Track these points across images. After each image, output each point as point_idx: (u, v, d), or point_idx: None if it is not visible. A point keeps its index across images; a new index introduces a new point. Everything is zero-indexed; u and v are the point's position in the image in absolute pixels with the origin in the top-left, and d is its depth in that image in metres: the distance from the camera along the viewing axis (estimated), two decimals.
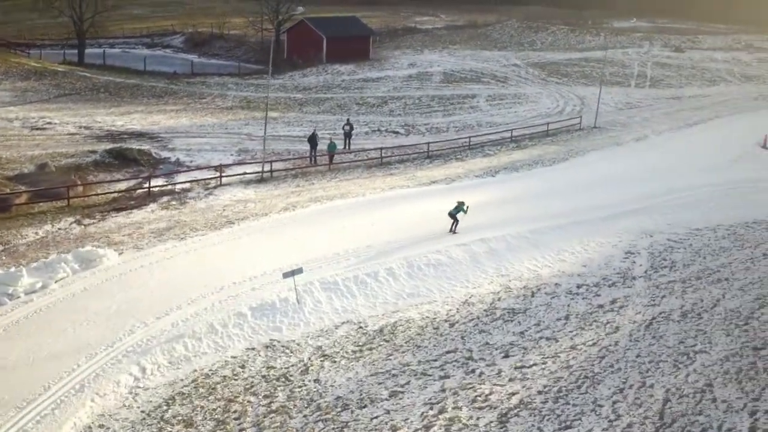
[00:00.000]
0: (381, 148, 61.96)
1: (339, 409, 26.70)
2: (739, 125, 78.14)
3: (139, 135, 65.78)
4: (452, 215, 42.87)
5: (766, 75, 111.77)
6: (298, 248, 39.67)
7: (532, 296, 36.82)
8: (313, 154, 59.49)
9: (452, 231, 43.21)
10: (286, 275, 33.76)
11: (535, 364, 30.46)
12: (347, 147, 64.35)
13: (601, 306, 36.07)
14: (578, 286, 38.14)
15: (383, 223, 44.26)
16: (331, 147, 59.29)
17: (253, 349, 31.10)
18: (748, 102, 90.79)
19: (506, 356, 31.12)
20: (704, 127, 77.02)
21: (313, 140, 59.11)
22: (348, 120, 66.48)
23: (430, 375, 29.34)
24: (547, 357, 31.10)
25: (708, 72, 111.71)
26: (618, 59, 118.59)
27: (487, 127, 74.58)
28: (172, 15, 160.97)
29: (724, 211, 50.92)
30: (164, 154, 60.08)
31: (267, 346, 31.29)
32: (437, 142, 65.91)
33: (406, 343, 31.94)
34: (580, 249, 43.00)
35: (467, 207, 43.14)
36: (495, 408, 27.00)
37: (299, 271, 34.07)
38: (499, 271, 39.28)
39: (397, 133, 71.72)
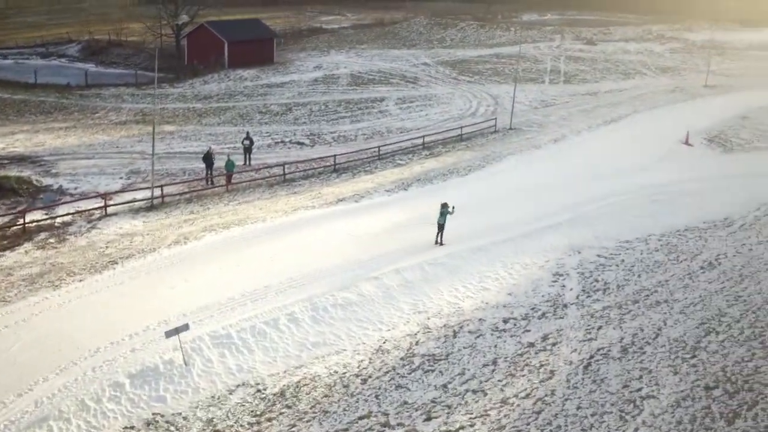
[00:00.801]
0: (284, 164, 56.92)
1: None
2: (659, 121, 75.23)
3: (21, 159, 59.57)
4: (440, 224, 40.05)
5: (680, 66, 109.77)
6: (187, 293, 34.60)
7: (454, 336, 32.38)
8: (209, 174, 54.29)
9: (438, 242, 40.71)
10: (169, 334, 28.65)
11: (462, 428, 25.85)
12: (247, 163, 59.33)
13: (531, 344, 31.83)
14: (505, 321, 33.82)
15: (285, 255, 39.40)
16: (229, 166, 54.15)
17: (132, 428, 25.88)
18: (666, 95, 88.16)
19: (428, 419, 26.66)
20: (624, 125, 73.83)
21: (208, 159, 53.92)
22: (247, 134, 61.32)
23: None
24: (476, 417, 26.73)
25: (622, 65, 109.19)
26: (530, 54, 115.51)
27: (397, 133, 70.07)
28: (69, 22, 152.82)
29: (654, 219, 47.49)
30: (46, 180, 54.18)
31: (149, 423, 26.24)
32: (344, 154, 61.09)
33: (311, 408, 27.21)
34: (504, 273, 38.75)
35: (453, 207, 40.00)
36: None
37: (185, 327, 29.00)
38: (416, 307, 34.72)
39: (302, 144, 66.76)
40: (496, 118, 72.41)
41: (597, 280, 38.63)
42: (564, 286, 37.82)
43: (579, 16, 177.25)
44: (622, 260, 41.42)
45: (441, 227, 40.26)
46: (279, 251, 40.09)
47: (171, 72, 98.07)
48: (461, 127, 69.15)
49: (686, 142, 67.85)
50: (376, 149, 62.36)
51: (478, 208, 47.73)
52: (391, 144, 64.67)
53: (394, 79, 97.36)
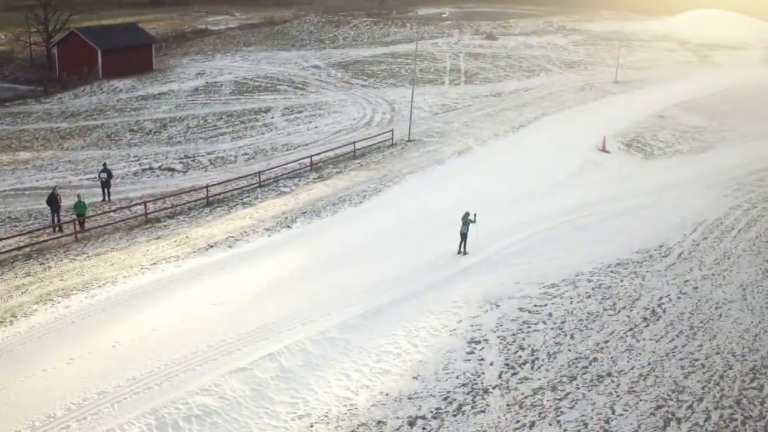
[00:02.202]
0: (145, 201, 47.75)
1: None
2: (571, 124, 68.55)
3: None
4: (463, 234, 38.62)
5: (586, 61, 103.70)
6: None
7: None
8: (55, 219, 44.97)
9: (462, 251, 39.25)
10: None
11: None
12: (106, 199, 50.08)
13: None
14: (411, 423, 25.64)
15: (130, 342, 30.43)
16: (80, 208, 45.14)
17: None
18: (574, 93, 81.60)
19: None
20: (532, 130, 66.87)
21: (53, 201, 44.94)
22: (104, 165, 52.14)
23: None
24: None
25: (525, 61, 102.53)
26: (428, 52, 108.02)
27: (282, 151, 61.70)
28: None
29: (581, 252, 40.51)
30: None
31: None
32: (219, 183, 52.31)
33: None
34: (408, 345, 30.80)
35: (475, 215, 38.65)
36: None
37: None
38: (295, 410, 26.55)
39: (173, 170, 57.80)
40: (392, 130, 64.33)
41: (522, 347, 30.90)
42: (483, 359, 30.06)
43: (477, 9, 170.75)
44: (550, 314, 33.81)
45: (464, 236, 38.77)
46: (123, 336, 31.11)
47: (41, 84, 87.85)
48: (354, 142, 60.92)
49: (603, 149, 61.15)
50: (257, 175, 53.57)
51: (374, 252, 39.96)
52: (274, 167, 55.96)
53: (281, 85, 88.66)
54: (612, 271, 38.81)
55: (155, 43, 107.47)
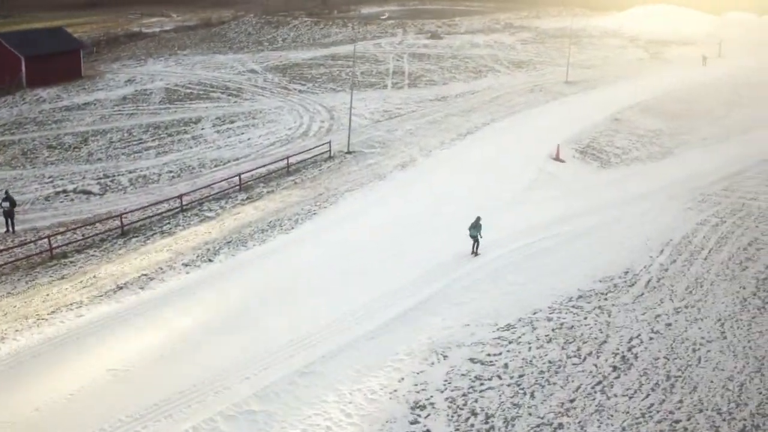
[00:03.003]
0: (49, 235, 42.24)
1: None
2: (521, 130, 64.09)
3: None
4: (474, 236, 38.24)
5: (535, 60, 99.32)
6: None
7: None
8: None
9: (474, 253, 38.80)
10: None
11: None
12: (10, 230, 44.64)
13: None
14: None
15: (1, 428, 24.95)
16: None
17: None
18: (524, 96, 77.10)
19: None
20: (480, 138, 62.25)
21: None
22: (6, 193, 46.50)
23: None
24: None
25: (472, 61, 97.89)
26: (370, 53, 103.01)
27: (211, 167, 56.46)
28: None
29: (538, 283, 36.22)
30: None
31: None
32: (136, 210, 46.97)
33: None
34: (340, 415, 26.17)
35: (479, 218, 38.39)
36: None
37: None
38: None
39: (88, 193, 52.33)
40: (330, 141, 59.21)
41: (474, 413, 26.16)
42: (428, 431, 24.75)
43: (421, 6, 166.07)
44: (506, 366, 29.13)
45: (475, 239, 38.44)
46: None
47: None
48: (287, 157, 55.69)
49: (557, 158, 56.69)
50: (179, 198, 48.22)
51: (304, 291, 34.82)
52: (200, 188, 50.66)
53: (215, 92, 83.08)
54: (574, 306, 34.14)
55: (84, 48, 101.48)
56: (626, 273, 38.09)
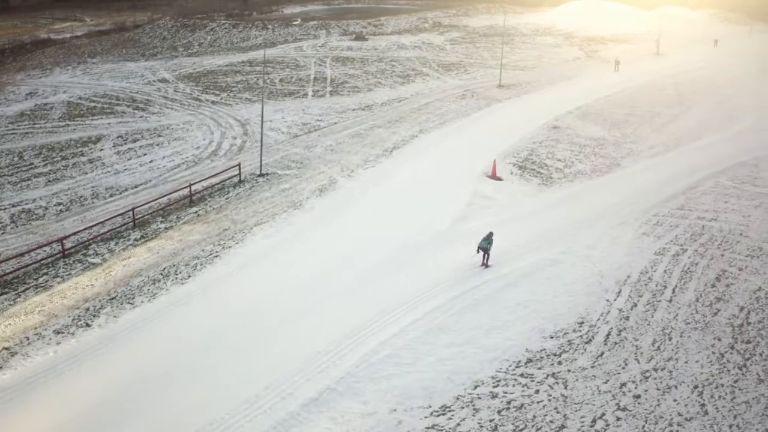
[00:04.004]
0: None
1: None
2: (453, 143, 58.23)
3: None
4: (484, 249, 36.69)
5: (465, 62, 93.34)
6: None
7: None
8: None
9: (485, 265, 37.13)
10: None
11: None
12: None
13: None
14: None
15: None
16: None
17: None
18: (455, 103, 70.98)
19: None
20: (409, 153, 56.11)
21: None
22: None
23: None
24: None
25: (399, 64, 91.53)
26: (290, 58, 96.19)
27: (105, 197, 49.59)
28: None
29: (477, 343, 31.15)
30: None
31: None
32: (11, 257, 39.87)
33: None
34: None
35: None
36: None
37: None
38: None
39: None
40: (240, 164, 52.37)
41: None
42: None
43: (348, 6, 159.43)
44: None
45: (486, 251, 36.95)
46: None
47: None
48: (190, 185, 48.68)
49: (493, 176, 50.64)
50: (60, 242, 41.13)
51: (186, 380, 27.91)
52: (88, 226, 43.70)
53: (120, 105, 75.63)
54: (522, 375, 27.95)
55: None
56: (581, 324, 32.03)
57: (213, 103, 74.75)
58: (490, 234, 37.02)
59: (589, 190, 49.83)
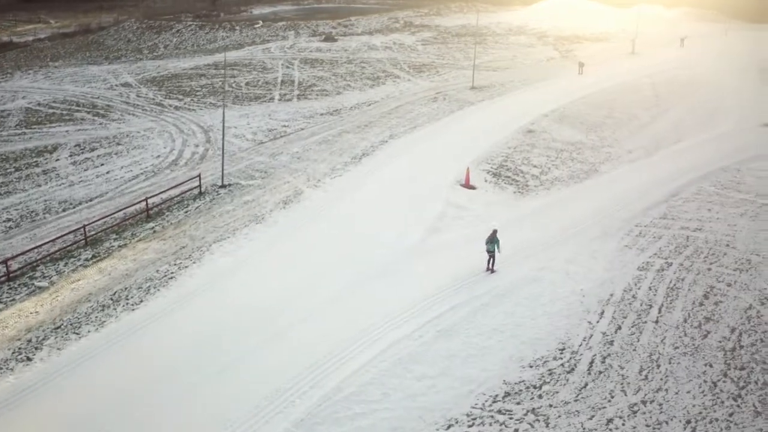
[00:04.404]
0: None
1: None
2: (424, 149, 55.86)
3: None
4: (490, 251, 35.31)
5: (437, 62, 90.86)
6: None
7: None
8: None
9: (490, 270, 35.71)
10: None
11: None
12: None
13: None
14: None
15: None
16: None
17: None
18: (426, 106, 68.47)
19: None
20: (378, 161, 53.76)
21: None
22: None
23: None
24: None
25: (369, 66, 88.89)
26: (257, 60, 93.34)
27: (58, 212, 47.12)
28: None
29: (451, 374, 29.19)
30: None
31: None
32: None
33: None
34: None
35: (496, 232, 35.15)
36: None
37: None
38: None
39: None
40: (200, 175, 49.59)
41: None
42: None
43: (317, 5, 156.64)
44: None
45: (491, 254, 35.67)
46: None
47: None
48: (146, 198, 45.90)
49: (466, 184, 48.17)
50: (4, 264, 38.31)
51: (142, 417, 25.29)
52: (37, 245, 40.97)
53: (80, 111, 72.71)
54: (500, 411, 25.54)
55: None
56: (562, 350, 29.59)
57: (176, 108, 71.92)
58: (494, 233, 35.70)
59: (567, 198, 47.54)
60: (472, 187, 48.68)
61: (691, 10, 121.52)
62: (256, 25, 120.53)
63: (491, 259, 36.04)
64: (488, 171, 51.85)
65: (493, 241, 35.57)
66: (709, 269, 36.99)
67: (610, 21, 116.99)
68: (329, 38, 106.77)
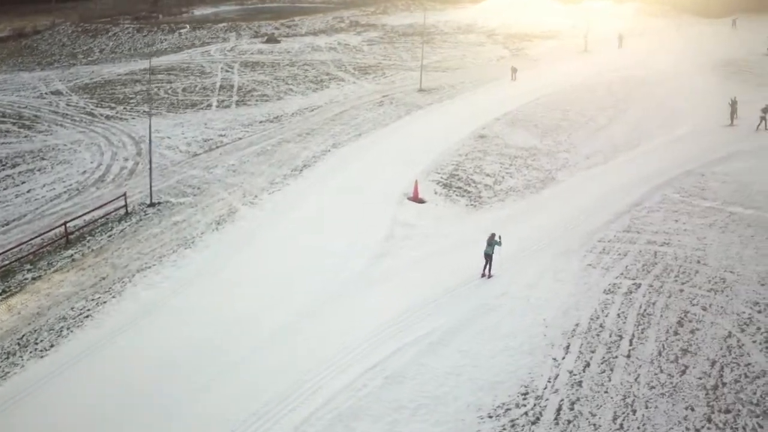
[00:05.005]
0: None
1: None
2: (370, 158, 52.37)
3: None
4: (488, 254, 33.98)
5: (383, 64, 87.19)
6: None
7: None
8: None
9: (486, 275, 34.44)
10: None
11: None
12: None
13: None
14: None
15: None
16: None
17: None
18: (372, 111, 64.73)
19: None
20: (320, 172, 50.34)
21: None
22: None
23: None
24: None
25: (312, 68, 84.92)
26: (196, 64, 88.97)
27: None
28: None
29: (400, 430, 22.83)
30: None
31: None
32: None
33: None
34: None
35: (500, 237, 33.96)
36: None
37: None
38: None
39: None
40: (125, 193, 45.38)
41: None
42: None
43: (261, 5, 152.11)
44: None
45: (489, 258, 34.05)
46: None
47: None
48: (65, 222, 41.64)
49: (415, 198, 44.52)
50: None
51: None
52: None
53: (5, 123, 68.06)
54: None
55: None
56: (525, 395, 26.06)
57: (107, 118, 67.49)
58: (492, 236, 34.26)
59: (524, 211, 44.17)
60: (422, 201, 45.12)
61: (641, 5, 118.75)
62: (182, 30, 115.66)
63: (488, 264, 34.60)
64: (438, 181, 48.30)
65: (491, 244, 34.16)
66: (681, 290, 33.67)
67: (559, 17, 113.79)
68: (272, 40, 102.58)
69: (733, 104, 58.92)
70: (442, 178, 48.91)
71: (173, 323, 31.34)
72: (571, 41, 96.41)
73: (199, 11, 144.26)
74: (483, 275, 34.90)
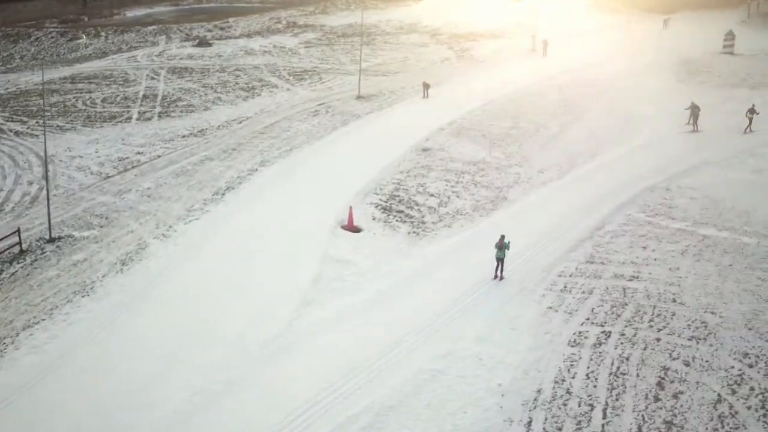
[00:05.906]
0: None
1: None
2: (300, 178, 47.35)
3: None
4: (500, 258, 33.29)
5: (320, 68, 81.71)
6: None
7: None
8: None
9: (499, 277, 33.66)
10: None
11: None
12: None
13: None
14: None
15: None
16: None
17: None
18: (306, 122, 59.35)
19: None
20: (243, 197, 44.95)
21: None
22: None
23: None
24: None
25: (244, 74, 79.05)
26: (120, 71, 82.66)
27: None
28: None
29: None
30: None
31: None
32: None
33: None
34: None
35: (508, 242, 33.21)
36: None
37: None
38: None
39: None
40: (18, 229, 39.34)
41: None
42: None
43: (197, 6, 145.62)
44: None
45: (501, 261, 33.29)
46: None
47: None
48: None
49: (349, 226, 39.07)
50: None
51: None
52: None
53: None
54: None
55: None
56: None
57: (17, 134, 61.08)
58: (502, 238, 33.24)
59: (472, 239, 39.02)
60: (357, 229, 39.86)
61: (594, 1, 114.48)
62: (79, 40, 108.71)
63: (499, 266, 33.63)
64: (377, 204, 42.99)
65: (502, 248, 33.19)
66: (658, 340, 28.65)
67: (504, 14, 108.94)
68: (203, 43, 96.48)
69: (693, 108, 54.35)
70: (381, 200, 43.54)
71: (50, 406, 25.39)
72: (518, 41, 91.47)
73: (132, 13, 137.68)
74: (495, 277, 33.91)
